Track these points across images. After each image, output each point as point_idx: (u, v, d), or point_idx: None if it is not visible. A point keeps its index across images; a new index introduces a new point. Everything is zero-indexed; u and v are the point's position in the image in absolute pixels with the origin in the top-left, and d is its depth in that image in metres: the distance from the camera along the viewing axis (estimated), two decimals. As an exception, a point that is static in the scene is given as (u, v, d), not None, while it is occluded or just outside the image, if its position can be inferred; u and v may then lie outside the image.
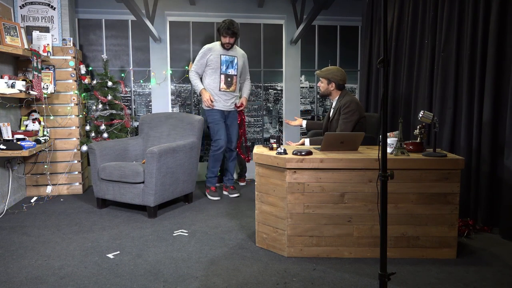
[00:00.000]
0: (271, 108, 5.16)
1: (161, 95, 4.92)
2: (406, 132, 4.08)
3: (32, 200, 3.99)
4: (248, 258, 2.71)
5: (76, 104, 4.31)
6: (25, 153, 3.46)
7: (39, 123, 4.11)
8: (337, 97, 3.37)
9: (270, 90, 5.13)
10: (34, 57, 3.76)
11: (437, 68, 3.67)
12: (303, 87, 5.16)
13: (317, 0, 4.97)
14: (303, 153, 2.68)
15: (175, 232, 3.21)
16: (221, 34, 4.02)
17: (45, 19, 4.32)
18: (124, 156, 4.06)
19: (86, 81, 4.44)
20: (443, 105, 3.63)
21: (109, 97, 4.37)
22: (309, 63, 5.12)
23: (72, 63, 4.26)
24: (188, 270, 2.52)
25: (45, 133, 4.12)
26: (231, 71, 4.13)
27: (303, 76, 5.15)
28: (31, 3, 4.28)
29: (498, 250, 2.83)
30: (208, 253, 2.78)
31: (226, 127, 4.21)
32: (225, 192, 4.35)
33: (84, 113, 4.58)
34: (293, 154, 2.71)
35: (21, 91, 3.55)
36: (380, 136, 1.85)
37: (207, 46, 4.11)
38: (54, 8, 4.33)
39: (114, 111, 4.43)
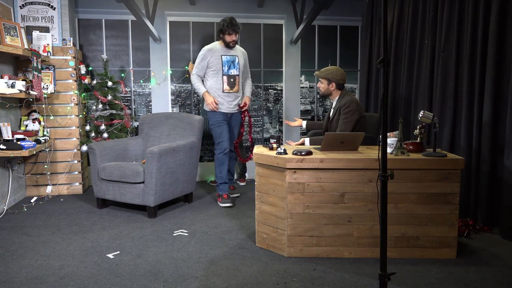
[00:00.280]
0: (271, 108, 5.16)
1: (161, 95, 4.92)
2: (406, 132, 4.08)
3: (32, 200, 3.99)
4: (248, 258, 2.71)
5: (76, 104, 4.31)
6: (25, 153, 3.46)
7: (39, 123, 4.11)
8: (337, 97, 3.37)
9: (270, 90, 5.13)
10: (34, 57, 3.76)
11: (437, 68, 3.67)
12: (303, 87, 5.16)
13: (317, 0, 4.97)
14: (303, 153, 2.68)
15: (175, 232, 3.21)
16: (226, 33, 3.88)
17: (45, 19, 4.32)
18: (124, 156, 4.06)
19: (86, 81, 4.44)
20: (443, 105, 3.63)
21: (109, 97, 4.37)
22: (309, 63, 5.12)
23: (72, 63, 4.26)
24: (188, 270, 2.52)
25: (45, 133, 4.12)
26: (233, 71, 4.02)
27: (303, 76, 5.15)
28: (31, 3, 4.28)
29: (498, 250, 2.83)
30: (208, 253, 2.78)
31: (229, 129, 4.10)
32: None
33: (84, 113, 4.58)
34: (293, 154, 2.71)
35: (21, 91, 3.55)
36: (380, 136, 1.85)
37: (206, 47, 4.00)
38: (54, 8, 4.33)
39: (114, 111, 4.43)
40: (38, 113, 4.15)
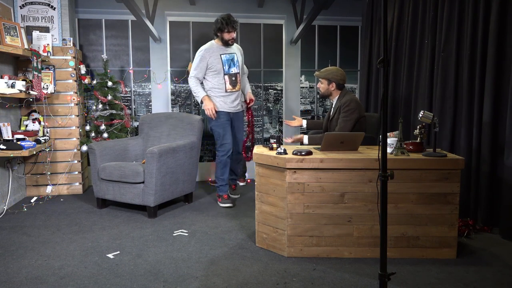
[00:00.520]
0: (271, 108, 5.16)
1: (161, 95, 4.92)
2: (406, 132, 4.08)
3: (32, 200, 3.99)
4: (248, 258, 2.71)
5: (76, 104, 4.31)
6: (25, 153, 3.46)
7: (39, 123, 4.11)
8: (337, 97, 3.37)
9: (270, 90, 5.13)
10: (34, 57, 3.76)
11: (437, 68, 3.67)
12: (303, 87, 5.16)
13: (317, 0, 4.97)
14: (303, 153, 2.68)
15: (175, 232, 3.21)
16: (224, 31, 3.75)
17: (45, 19, 4.32)
18: (124, 156, 4.06)
19: (86, 81, 4.44)
20: (443, 105, 3.63)
21: (109, 97, 4.37)
22: (309, 63, 5.12)
23: (72, 63, 4.26)
24: (188, 270, 2.52)
25: (45, 133, 4.12)
26: (234, 70, 3.91)
27: (303, 76, 5.15)
28: (31, 3, 4.28)
29: (498, 250, 2.83)
30: (208, 253, 2.78)
31: (232, 130, 3.99)
32: None
33: (84, 113, 4.58)
34: (293, 154, 2.71)
35: (21, 91, 3.55)
36: (380, 136, 1.85)
37: (203, 48, 3.86)
38: (54, 8, 4.33)
39: (114, 111, 4.43)
40: (38, 113, 4.15)
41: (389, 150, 2.73)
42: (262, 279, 2.41)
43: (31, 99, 3.89)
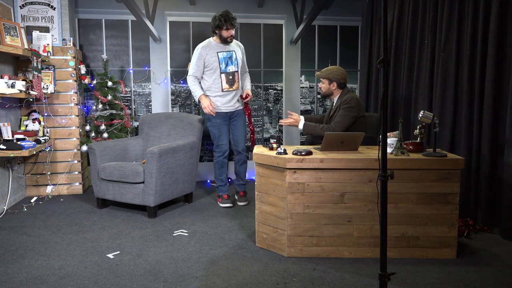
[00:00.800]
0: (271, 108, 5.16)
1: (161, 95, 4.92)
2: (406, 132, 4.08)
3: (32, 200, 3.99)
4: (248, 258, 2.71)
5: (76, 104, 4.31)
6: (25, 153, 3.46)
7: (39, 123, 4.11)
8: (338, 96, 3.36)
9: (270, 90, 5.13)
10: (34, 57, 3.76)
11: (437, 68, 3.67)
12: (303, 87, 5.16)
13: (317, 0, 4.97)
14: (303, 153, 2.68)
15: (175, 232, 3.21)
16: (223, 28, 3.66)
17: (45, 19, 4.32)
18: (124, 156, 4.06)
19: (86, 81, 4.44)
20: (443, 105, 3.63)
21: (109, 97, 4.37)
22: (309, 63, 5.12)
23: (72, 63, 4.26)
24: (188, 270, 2.52)
25: (45, 133, 4.12)
26: (232, 68, 3.82)
27: (303, 76, 5.15)
28: (31, 3, 4.28)
29: (498, 250, 2.83)
30: (208, 253, 2.78)
31: (232, 129, 3.92)
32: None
33: (83, 113, 4.58)
34: (293, 154, 2.71)
35: (21, 91, 3.55)
36: (380, 136, 1.85)
37: (201, 45, 3.78)
38: (54, 8, 4.33)
39: (114, 111, 4.43)
40: (38, 113, 4.15)
41: (389, 150, 2.73)
42: (262, 279, 2.41)
43: (31, 99, 3.89)
